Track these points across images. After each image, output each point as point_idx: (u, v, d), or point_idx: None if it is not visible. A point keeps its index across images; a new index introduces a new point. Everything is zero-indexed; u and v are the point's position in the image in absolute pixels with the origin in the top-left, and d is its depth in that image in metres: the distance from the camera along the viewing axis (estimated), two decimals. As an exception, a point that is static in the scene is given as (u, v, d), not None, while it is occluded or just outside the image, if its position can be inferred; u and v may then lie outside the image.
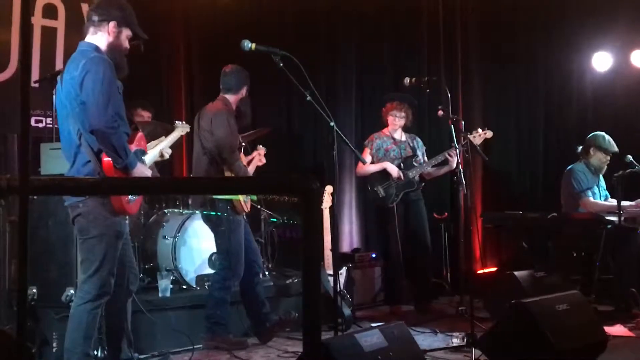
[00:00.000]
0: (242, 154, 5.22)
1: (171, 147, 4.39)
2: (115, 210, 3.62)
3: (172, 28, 6.99)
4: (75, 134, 3.55)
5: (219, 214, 4.86)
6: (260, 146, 5.41)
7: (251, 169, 5.20)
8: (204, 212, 5.04)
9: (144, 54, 3.94)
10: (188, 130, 4.72)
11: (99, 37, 3.68)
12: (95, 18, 3.68)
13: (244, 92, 5.05)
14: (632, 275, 5.62)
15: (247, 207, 5.01)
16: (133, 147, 3.73)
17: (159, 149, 4.13)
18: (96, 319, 3.67)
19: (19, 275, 1.45)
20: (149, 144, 4.13)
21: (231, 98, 5.01)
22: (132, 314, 4.14)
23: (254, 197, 6.19)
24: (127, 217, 3.80)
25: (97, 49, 3.64)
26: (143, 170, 3.70)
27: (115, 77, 3.62)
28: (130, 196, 3.66)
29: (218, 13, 7.07)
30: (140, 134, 3.99)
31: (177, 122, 4.69)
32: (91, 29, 3.69)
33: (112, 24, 3.66)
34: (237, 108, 5.03)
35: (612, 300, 5.71)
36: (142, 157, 3.85)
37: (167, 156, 4.21)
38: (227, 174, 4.88)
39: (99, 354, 4.16)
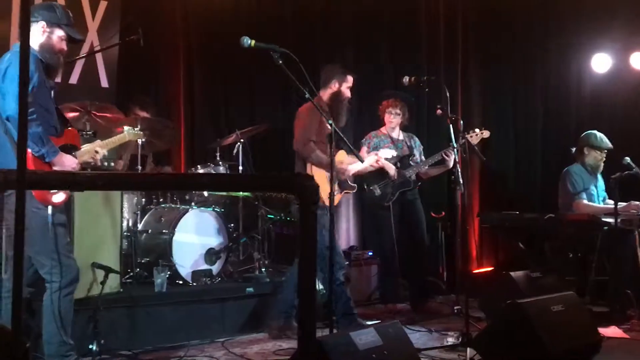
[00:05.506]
0: (343, 151, 5.22)
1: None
2: (40, 201, 3.65)
3: (172, 26, 6.97)
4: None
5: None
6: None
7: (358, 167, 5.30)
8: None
9: (143, 52, 3.94)
10: (140, 137, 4.65)
11: (31, 37, 3.74)
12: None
13: (334, 86, 5.22)
14: (627, 277, 5.63)
15: (327, 201, 4.96)
16: (61, 142, 3.79)
17: (89, 146, 4.02)
18: (69, 307, 3.71)
19: (15, 268, 1.45)
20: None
21: (322, 93, 5.20)
22: (129, 308, 4.11)
23: (248, 194, 6.19)
24: (54, 207, 3.74)
25: None
26: (64, 160, 3.72)
27: (42, 73, 3.72)
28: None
29: (217, 11, 7.06)
30: (74, 131, 4.05)
31: (125, 127, 4.47)
32: None
33: (42, 24, 3.80)
34: (329, 104, 5.15)
35: (607, 302, 5.72)
36: (74, 153, 3.86)
37: (100, 157, 4.03)
38: (310, 167, 5.01)
39: (94, 348, 4.17)
